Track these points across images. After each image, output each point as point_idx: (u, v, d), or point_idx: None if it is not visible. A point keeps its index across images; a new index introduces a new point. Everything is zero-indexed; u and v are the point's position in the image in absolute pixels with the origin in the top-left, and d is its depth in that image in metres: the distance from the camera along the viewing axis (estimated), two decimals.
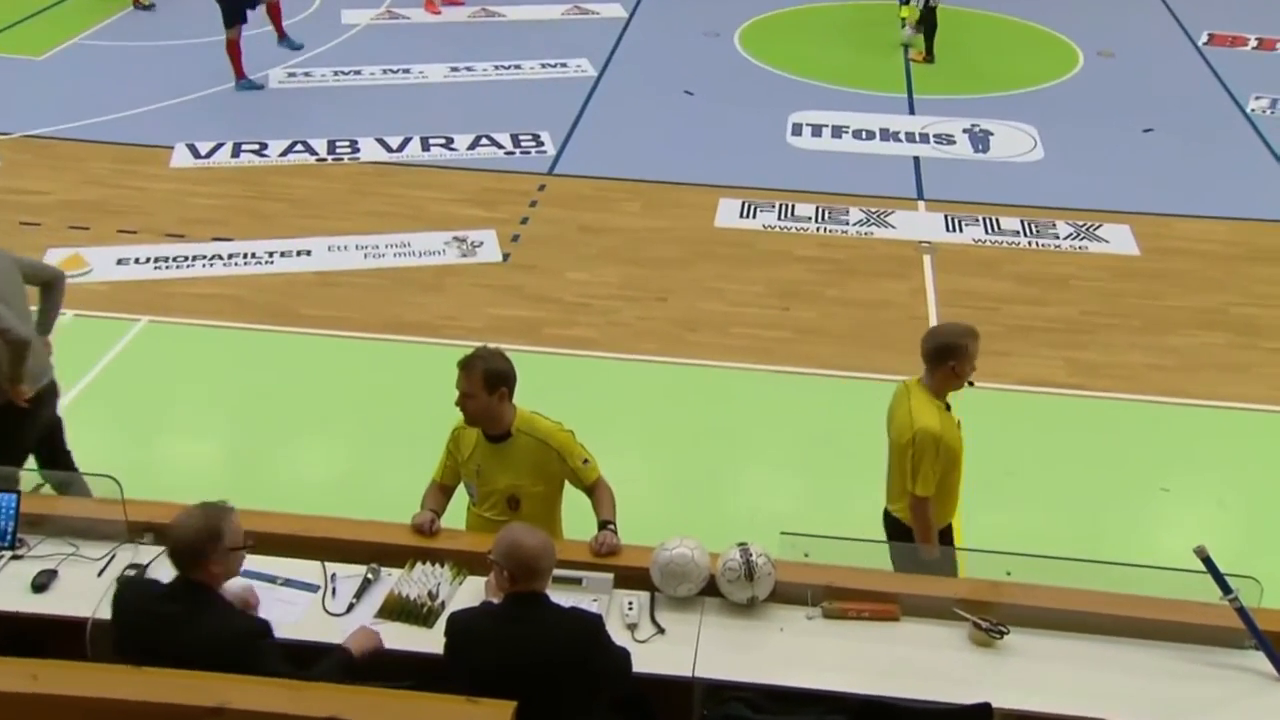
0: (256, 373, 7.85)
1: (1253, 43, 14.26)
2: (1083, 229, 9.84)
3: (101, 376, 7.75)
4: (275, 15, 12.66)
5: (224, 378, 7.82)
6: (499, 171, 10.64)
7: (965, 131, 11.68)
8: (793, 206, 10.07)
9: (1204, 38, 14.34)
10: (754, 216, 9.93)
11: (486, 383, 4.69)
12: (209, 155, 10.78)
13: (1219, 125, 12.06)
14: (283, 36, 12.79)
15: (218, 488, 6.39)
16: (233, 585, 4.13)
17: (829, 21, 14.74)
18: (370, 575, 4.57)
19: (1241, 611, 4.28)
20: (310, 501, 5.48)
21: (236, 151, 10.84)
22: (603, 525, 4.74)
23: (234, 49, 11.90)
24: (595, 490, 4.88)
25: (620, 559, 4.63)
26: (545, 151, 11.04)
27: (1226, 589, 4.28)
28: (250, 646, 3.87)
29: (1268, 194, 10.62)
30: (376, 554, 4.66)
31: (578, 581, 4.48)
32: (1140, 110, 12.26)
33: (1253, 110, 12.37)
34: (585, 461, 4.86)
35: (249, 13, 11.98)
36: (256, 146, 10.93)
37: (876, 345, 8.22)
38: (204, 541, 3.89)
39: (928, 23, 13.32)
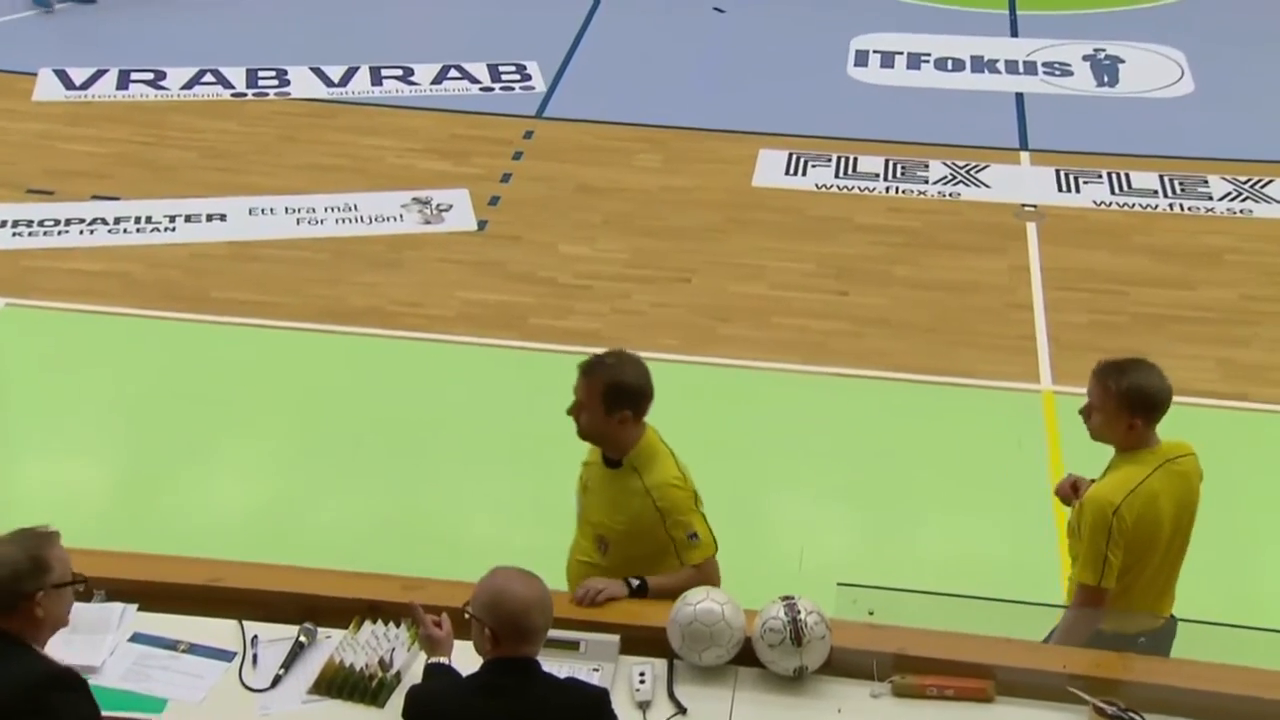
0: (151, 372, 7.88)
1: None
2: (1244, 186, 9.85)
3: None
4: None
5: (108, 378, 7.84)
6: (473, 114, 10.69)
7: (1086, 58, 11.70)
8: (855, 160, 10.10)
9: None
10: (804, 173, 9.97)
11: (606, 398, 4.71)
12: (86, 86, 10.85)
13: None
14: None
15: (99, 524, 6.51)
16: None
17: None
18: (303, 638, 4.58)
19: None
20: (224, 542, 5.52)
21: (124, 82, 10.91)
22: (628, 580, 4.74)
23: None
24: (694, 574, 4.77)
25: (629, 616, 4.64)
26: (533, 88, 11.09)
27: None
28: (39, 700, 3.79)
29: None
30: (311, 610, 4.67)
31: (574, 645, 4.48)
32: None
33: None
34: (692, 536, 4.80)
35: None
36: (151, 76, 10.99)
37: (961, 341, 8.24)
38: (24, 577, 3.91)
39: None
